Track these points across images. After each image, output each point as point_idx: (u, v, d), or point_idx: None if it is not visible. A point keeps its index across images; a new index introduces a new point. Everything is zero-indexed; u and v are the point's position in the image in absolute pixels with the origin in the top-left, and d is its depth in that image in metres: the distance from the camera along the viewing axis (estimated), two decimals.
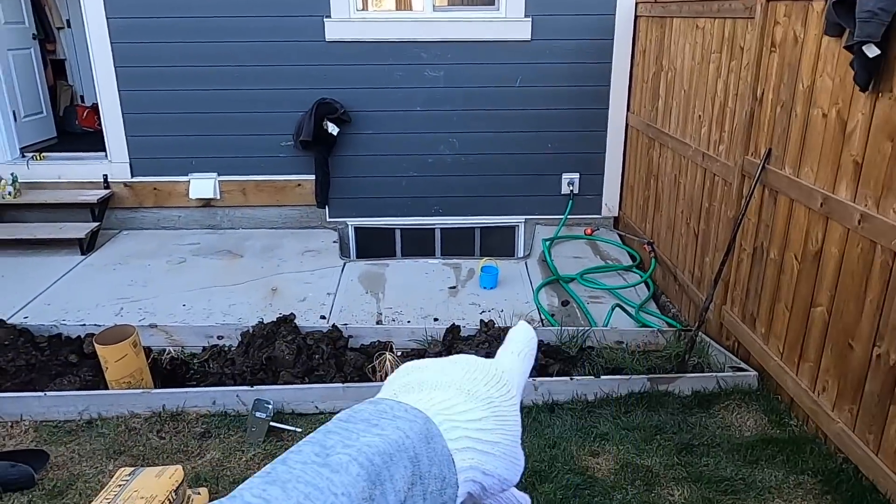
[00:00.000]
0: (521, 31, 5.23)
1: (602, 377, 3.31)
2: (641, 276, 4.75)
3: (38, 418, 3.12)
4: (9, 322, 3.77)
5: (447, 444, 0.49)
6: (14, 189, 5.31)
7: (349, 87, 5.35)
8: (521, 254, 5.71)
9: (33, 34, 6.16)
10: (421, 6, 5.38)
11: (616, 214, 5.72)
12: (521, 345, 0.60)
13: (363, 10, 5.37)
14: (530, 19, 5.21)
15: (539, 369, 3.45)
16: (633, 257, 5.11)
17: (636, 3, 5.16)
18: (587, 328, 3.87)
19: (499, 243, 5.80)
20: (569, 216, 5.64)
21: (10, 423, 3.10)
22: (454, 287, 4.67)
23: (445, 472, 0.46)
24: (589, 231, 5.57)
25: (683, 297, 4.30)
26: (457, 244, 5.80)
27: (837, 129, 2.68)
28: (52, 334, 3.78)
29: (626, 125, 5.44)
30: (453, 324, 3.82)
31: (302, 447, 0.42)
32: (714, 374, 3.37)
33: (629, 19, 5.22)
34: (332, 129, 5.29)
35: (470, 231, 5.84)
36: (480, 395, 0.55)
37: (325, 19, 5.18)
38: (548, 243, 5.24)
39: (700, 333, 3.65)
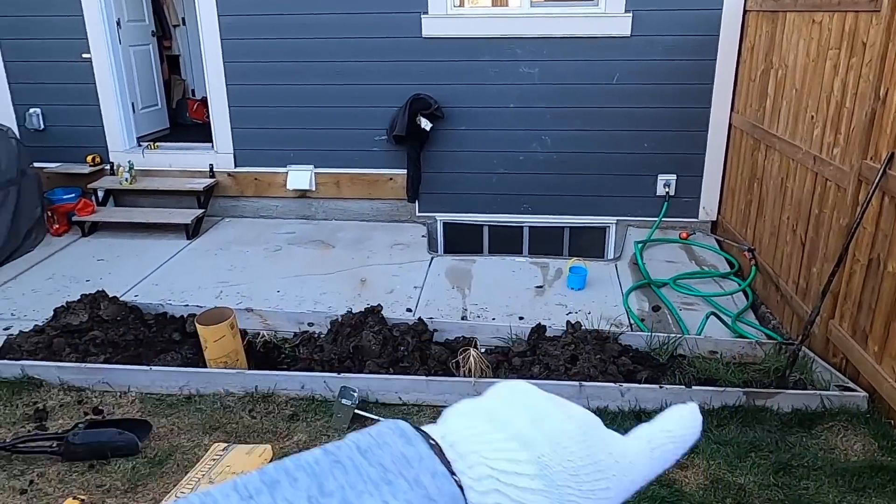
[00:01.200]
0: (621, 26, 5.09)
1: (693, 387, 3.17)
2: (740, 285, 4.52)
3: (144, 390, 3.33)
4: (122, 299, 4.04)
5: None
6: (130, 176, 5.69)
7: (443, 83, 5.38)
8: (611, 255, 5.57)
9: (152, 31, 6.58)
10: (518, 2, 5.33)
11: (714, 219, 5.47)
12: (675, 434, 0.38)
13: (460, 6, 5.38)
14: (630, 14, 5.05)
15: (626, 375, 3.35)
16: (731, 264, 4.87)
17: None
18: (679, 335, 3.72)
19: (588, 244, 5.68)
20: (663, 219, 5.44)
21: (119, 394, 3.33)
22: (541, 286, 4.61)
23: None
24: (684, 235, 5.36)
25: (786, 309, 4.05)
26: (545, 243, 5.72)
27: None
28: (158, 312, 4.02)
29: (730, 125, 5.19)
30: (539, 323, 3.77)
31: (298, 475, 0.31)
32: (818, 391, 3.16)
33: (737, 14, 4.96)
34: (426, 124, 5.34)
35: (559, 230, 5.75)
36: (602, 458, 0.38)
37: (422, 15, 5.24)
38: (640, 246, 5.08)
39: (803, 348, 3.43)
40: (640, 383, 3.25)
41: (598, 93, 5.28)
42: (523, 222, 5.73)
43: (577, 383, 3.18)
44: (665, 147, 5.35)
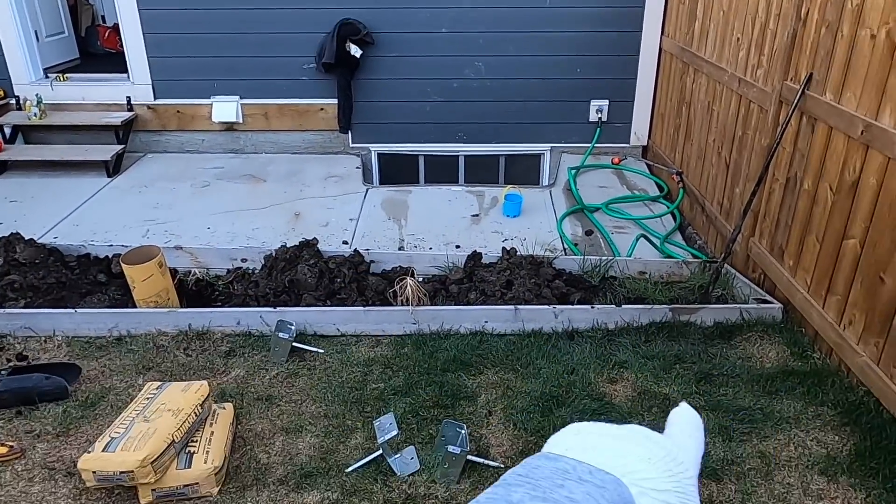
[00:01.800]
0: None
1: (623, 306, 3.29)
2: (668, 207, 4.66)
3: (70, 334, 3.22)
4: (39, 241, 3.84)
5: None
6: (39, 110, 5.31)
7: (373, 7, 5.17)
8: (545, 182, 5.62)
9: None
10: None
11: (645, 143, 5.57)
12: (692, 427, 0.58)
13: None
14: None
15: (560, 297, 3.44)
16: (660, 188, 5.00)
17: None
18: (610, 258, 3.83)
19: (523, 171, 5.71)
20: (596, 145, 5.50)
21: (43, 339, 3.20)
22: (477, 215, 4.63)
23: None
24: (616, 160, 5.45)
25: (710, 229, 4.22)
26: (481, 172, 5.72)
27: (886, 51, 2.52)
28: (80, 254, 3.85)
29: (660, 50, 5.22)
30: (475, 251, 3.81)
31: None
32: (738, 305, 3.34)
33: None
34: (355, 50, 5.15)
35: (494, 158, 5.75)
36: (661, 467, 0.51)
37: None
38: (573, 172, 5.14)
39: (726, 265, 3.59)
40: (573, 305, 3.34)
41: (531, 16, 5.19)
42: (459, 151, 5.69)
43: (512, 307, 3.25)
44: (598, 72, 5.35)
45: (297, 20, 5.21)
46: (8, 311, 3.24)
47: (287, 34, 5.27)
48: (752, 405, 2.72)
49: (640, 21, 5.18)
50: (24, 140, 5.54)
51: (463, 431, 2.36)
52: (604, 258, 3.82)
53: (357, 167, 5.41)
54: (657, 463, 0.52)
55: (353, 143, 5.64)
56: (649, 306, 3.30)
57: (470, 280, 3.60)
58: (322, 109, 5.51)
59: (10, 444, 2.53)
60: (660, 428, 2.47)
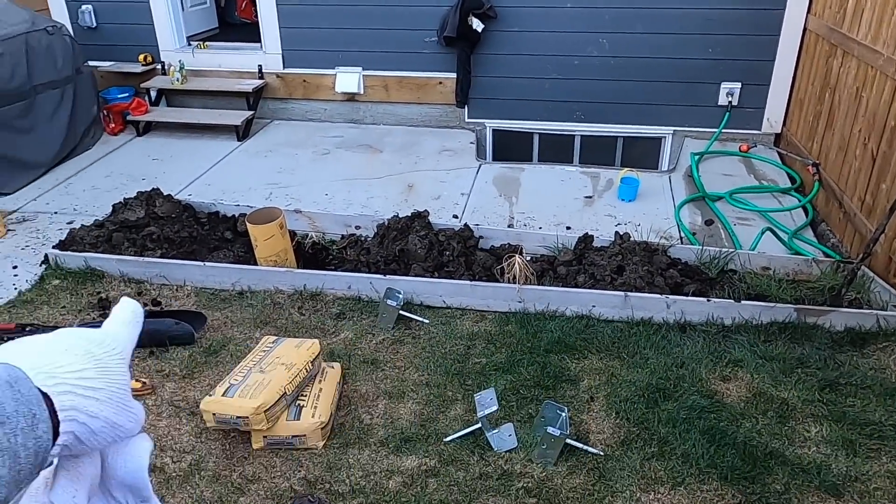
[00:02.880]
0: None
1: (743, 302, 3.11)
2: (800, 201, 4.34)
3: (199, 285, 3.46)
4: (176, 197, 4.14)
5: (40, 387, 0.53)
6: (181, 76, 5.69)
7: None
8: (665, 167, 5.39)
9: None
10: None
11: (778, 131, 5.19)
12: (127, 316, 0.62)
13: None
14: None
15: (673, 287, 3.30)
16: (792, 179, 4.65)
17: None
18: (731, 250, 3.62)
19: (642, 154, 5.49)
20: (724, 130, 5.19)
21: (175, 287, 3.47)
22: (590, 196, 4.52)
23: (35, 410, 0.50)
24: (745, 147, 5.12)
25: (848, 227, 3.88)
26: (597, 152, 5.56)
27: None
28: (211, 211, 4.12)
29: (804, 29, 4.82)
30: (586, 233, 3.71)
31: None
32: (875, 311, 3.06)
33: None
34: (477, 24, 5.12)
35: (612, 140, 5.56)
36: (81, 351, 0.57)
37: None
38: (696, 158, 4.89)
39: (863, 267, 3.30)
40: (687, 296, 3.20)
41: None
42: (575, 131, 5.55)
43: (622, 293, 3.15)
44: (731, 53, 5.02)
45: None
46: (147, 259, 3.52)
47: (411, 7, 5.32)
48: (884, 420, 2.50)
49: None
50: (167, 103, 5.97)
51: (564, 414, 2.33)
52: (724, 250, 3.62)
53: (471, 142, 5.42)
54: (76, 353, 0.59)
55: (468, 117, 5.64)
56: (772, 304, 3.10)
57: (579, 263, 3.53)
58: (440, 83, 5.54)
59: (144, 380, 2.76)
60: (773, 434, 2.32)
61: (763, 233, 3.92)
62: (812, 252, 3.80)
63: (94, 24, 5.88)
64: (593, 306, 3.17)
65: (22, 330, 3.05)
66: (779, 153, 5.06)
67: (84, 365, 0.58)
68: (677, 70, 5.15)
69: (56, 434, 0.54)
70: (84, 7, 5.83)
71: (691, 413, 2.54)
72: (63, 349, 0.58)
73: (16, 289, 3.48)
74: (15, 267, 3.69)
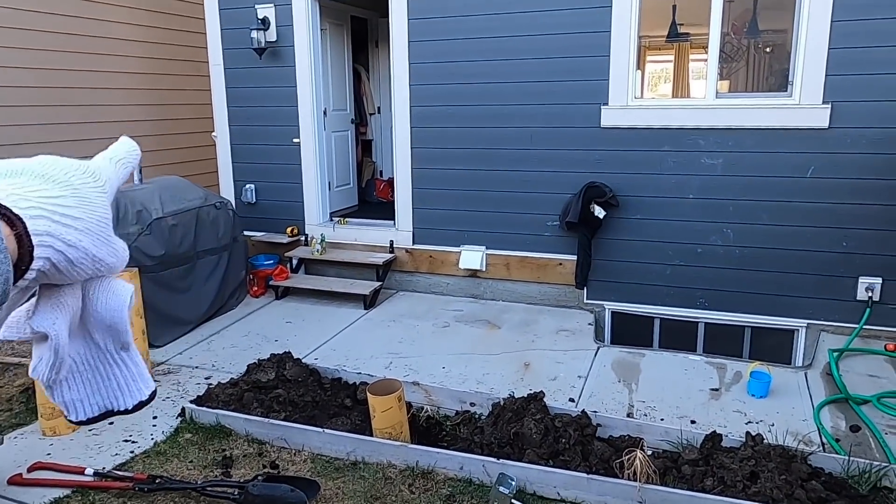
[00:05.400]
0: (818, 118, 4.80)
1: None
2: None
3: (315, 451, 3.54)
4: (304, 361, 4.38)
5: (17, 211, 0.49)
6: (322, 247, 6.26)
7: (620, 172, 5.38)
8: (799, 363, 5.06)
9: (352, 119, 7.32)
10: (702, 93, 5.24)
11: None
12: (119, 153, 0.57)
13: (640, 97, 5.41)
14: (829, 105, 4.76)
15: (817, 502, 2.97)
16: None
17: None
18: (885, 465, 3.24)
19: (773, 347, 5.21)
20: (864, 326, 4.87)
21: (293, 451, 3.56)
22: (716, 389, 4.29)
23: None
24: (891, 347, 4.74)
25: None
26: (722, 342, 5.34)
27: None
28: (334, 377, 4.30)
29: None
30: (714, 431, 3.49)
31: None
32: None
33: None
34: (599, 212, 5.33)
35: (739, 329, 5.35)
36: (59, 179, 0.53)
37: (601, 106, 5.33)
38: (835, 355, 4.57)
39: None
40: None
41: (788, 186, 4.97)
42: (699, 318, 5.42)
43: None
44: (868, 247, 4.85)
45: (545, 181, 5.60)
46: (271, 421, 3.68)
47: (535, 193, 5.66)
48: None
49: None
50: (305, 270, 6.52)
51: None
52: (875, 463, 3.25)
53: (589, 323, 5.41)
54: (53, 179, 0.50)
55: (587, 298, 5.69)
56: None
57: (706, 463, 3.29)
58: (560, 264, 5.70)
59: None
60: None
61: None
62: None
63: (254, 201, 6.70)
64: None
65: (152, 481, 3.21)
66: None
67: (62, 192, 0.57)
68: (808, 262, 5.01)
69: (31, 259, 0.52)
70: (248, 186, 6.70)
71: None
72: (40, 173, 0.57)
73: (152, 439, 3.72)
74: (155, 417, 3.97)
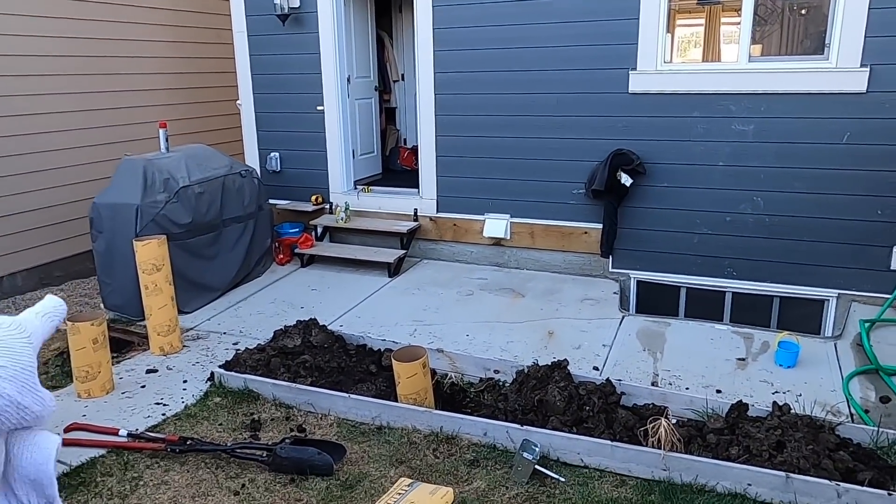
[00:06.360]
0: (855, 81, 4.64)
1: None
2: None
3: (341, 416, 3.60)
4: (329, 328, 4.42)
5: None
6: (346, 215, 6.27)
7: (647, 139, 5.28)
8: (829, 333, 4.98)
9: (375, 86, 7.26)
10: (734, 57, 5.09)
11: None
12: (46, 308, 0.59)
13: (669, 62, 5.28)
14: (867, 68, 4.59)
15: (844, 473, 2.94)
16: None
17: None
18: None
19: (802, 317, 5.13)
20: None
21: (320, 415, 3.63)
22: (743, 359, 4.25)
23: None
24: None
25: None
26: (750, 312, 5.27)
27: None
28: (359, 344, 4.34)
29: None
30: (740, 400, 3.47)
31: None
32: None
33: None
34: (626, 179, 5.25)
35: (767, 299, 5.28)
36: None
37: (629, 72, 5.22)
38: (867, 325, 4.49)
39: None
40: (862, 485, 2.83)
41: (822, 153, 4.84)
42: (726, 287, 5.35)
43: (783, 474, 2.86)
44: None
45: (571, 148, 5.53)
46: (298, 386, 3.74)
47: (560, 161, 5.59)
48: None
49: None
50: (330, 238, 6.55)
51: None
52: None
53: (614, 292, 5.37)
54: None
55: (612, 267, 5.64)
56: None
57: (732, 432, 3.27)
58: (585, 233, 5.64)
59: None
60: None
61: None
62: None
63: (279, 169, 6.72)
64: (749, 485, 2.89)
65: (183, 442, 3.30)
66: None
67: None
68: (841, 231, 4.90)
69: None
70: (272, 154, 6.72)
71: None
72: None
73: (183, 402, 3.80)
74: (185, 381, 4.06)
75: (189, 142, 6.28)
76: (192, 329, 4.85)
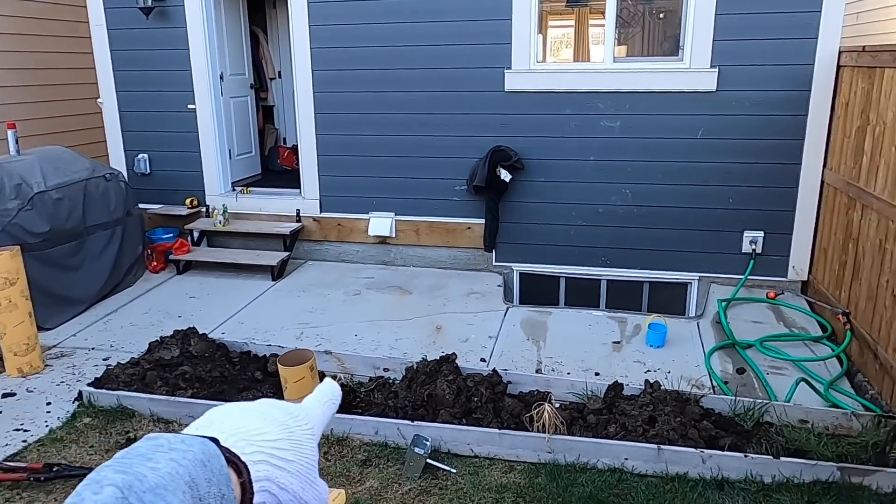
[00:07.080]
0: (706, 81, 5.05)
1: (782, 458, 3.00)
2: (833, 350, 4.28)
3: None
4: (210, 336, 4.24)
5: (244, 457, 0.54)
6: (224, 218, 6.02)
7: (524, 136, 5.47)
8: (692, 313, 5.40)
9: (251, 84, 7.02)
10: (601, 57, 5.39)
11: (805, 279, 5.23)
12: (325, 395, 0.65)
13: (542, 61, 5.49)
14: (716, 69, 5.01)
15: (708, 440, 3.21)
16: (823, 327, 4.62)
17: (839, 53, 4.78)
18: (766, 401, 3.54)
19: (668, 300, 5.53)
20: (749, 277, 5.25)
21: None
22: (618, 342, 4.52)
23: (224, 490, 0.51)
24: (772, 294, 5.14)
25: (885, 379, 3.80)
26: (623, 297, 5.61)
27: None
28: (243, 351, 4.19)
29: (822, 182, 5.00)
30: (616, 381, 3.69)
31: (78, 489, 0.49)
32: None
33: (830, 69, 4.83)
34: (505, 175, 5.42)
35: (638, 285, 5.64)
36: (277, 420, 0.59)
37: (505, 70, 5.38)
38: (724, 304, 4.91)
39: None
40: (722, 450, 3.10)
41: (681, 147, 5.23)
42: (601, 275, 5.66)
43: (655, 446, 3.07)
44: (751, 203, 5.20)
45: (452, 146, 5.62)
46: (177, 399, 3.56)
47: (442, 158, 5.67)
48: None
49: (800, 154, 5.03)
50: (208, 243, 6.27)
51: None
52: (758, 401, 3.54)
53: (498, 285, 5.53)
54: (273, 421, 0.58)
55: (496, 261, 5.80)
56: (813, 462, 2.98)
57: (609, 412, 3.47)
58: (469, 228, 5.76)
59: None
60: None
61: (798, 383, 3.85)
62: (851, 404, 3.69)
63: (149, 171, 6.34)
64: (626, 459, 3.08)
65: (49, 469, 3.04)
66: (807, 301, 5.07)
67: (279, 435, 0.59)
68: (699, 219, 5.32)
69: None
70: (140, 156, 6.32)
71: None
72: (261, 416, 0.59)
73: (47, 426, 3.51)
74: (49, 403, 3.74)
75: (43, 143, 5.78)
76: (55, 346, 4.48)
